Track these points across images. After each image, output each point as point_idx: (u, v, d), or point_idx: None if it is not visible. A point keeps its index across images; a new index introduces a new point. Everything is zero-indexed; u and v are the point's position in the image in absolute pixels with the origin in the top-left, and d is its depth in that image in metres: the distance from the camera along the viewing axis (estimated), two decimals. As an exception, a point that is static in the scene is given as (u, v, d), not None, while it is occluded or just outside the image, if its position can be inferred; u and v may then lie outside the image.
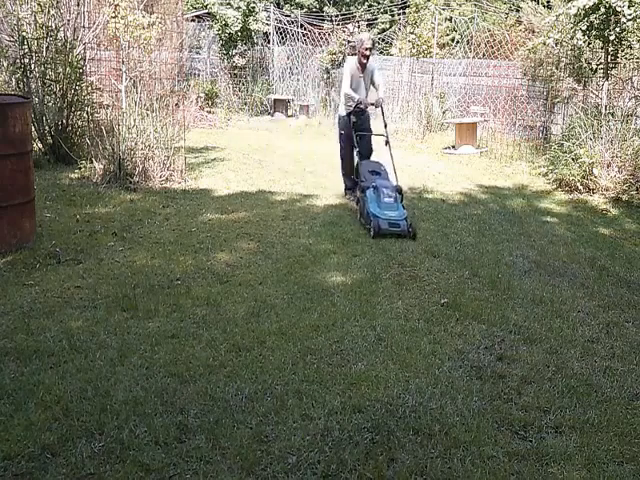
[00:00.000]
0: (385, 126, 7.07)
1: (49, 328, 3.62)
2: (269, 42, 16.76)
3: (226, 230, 5.78)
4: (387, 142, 6.81)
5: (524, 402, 3.06)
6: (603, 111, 8.07)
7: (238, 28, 15.05)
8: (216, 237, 5.56)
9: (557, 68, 10.26)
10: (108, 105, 8.31)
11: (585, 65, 9.12)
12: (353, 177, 7.09)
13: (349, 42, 15.59)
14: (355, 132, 6.95)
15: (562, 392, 3.16)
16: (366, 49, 6.87)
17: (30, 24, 7.94)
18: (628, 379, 3.33)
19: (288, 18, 17.11)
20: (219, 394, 3.01)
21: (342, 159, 7.35)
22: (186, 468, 2.49)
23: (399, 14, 16.88)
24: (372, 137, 7.28)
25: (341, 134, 7.17)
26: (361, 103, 6.81)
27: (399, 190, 6.19)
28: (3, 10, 8.12)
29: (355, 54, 7.18)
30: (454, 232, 6.02)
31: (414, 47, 13.58)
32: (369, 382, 3.18)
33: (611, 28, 7.95)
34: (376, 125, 7.67)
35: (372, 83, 7.21)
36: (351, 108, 6.96)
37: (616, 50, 8.34)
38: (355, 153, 6.86)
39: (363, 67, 6.99)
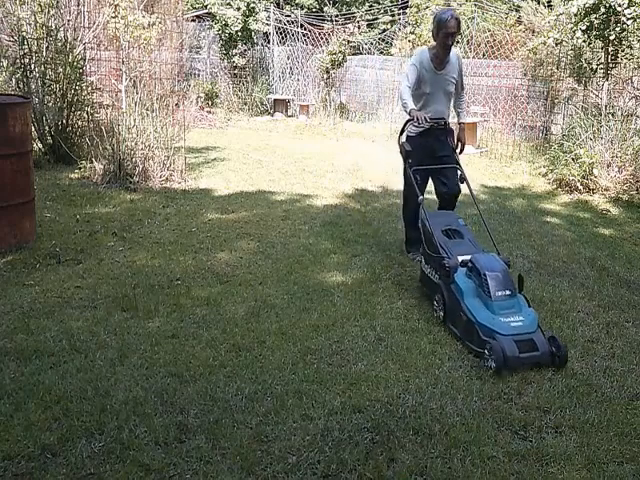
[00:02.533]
0: (458, 150, 4.94)
1: (49, 328, 3.62)
2: (269, 42, 16.76)
3: (226, 230, 5.78)
4: (463, 179, 4.70)
5: (524, 402, 3.05)
6: (603, 111, 8.07)
7: (238, 28, 15.05)
8: (216, 237, 5.56)
9: (557, 68, 10.26)
10: (108, 105, 8.32)
11: (585, 65, 9.11)
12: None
13: (349, 42, 15.60)
14: (422, 163, 4.75)
15: (562, 392, 3.16)
16: (448, 33, 4.57)
17: (30, 24, 7.93)
18: (628, 379, 3.33)
19: (288, 18, 17.11)
20: (219, 394, 3.00)
21: (405, 199, 5.27)
22: (186, 468, 2.49)
23: (399, 14, 16.88)
24: (449, 170, 4.88)
25: (408, 163, 4.78)
26: (418, 119, 4.45)
27: (509, 265, 3.85)
28: (3, 10, 8.12)
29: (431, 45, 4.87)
30: (454, 232, 6.01)
31: (414, 47, 13.57)
32: (369, 382, 3.18)
33: (611, 28, 7.95)
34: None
35: (455, 88, 4.94)
36: (423, 126, 4.70)
37: (616, 50, 8.35)
38: (419, 201, 4.49)
39: (442, 61, 4.74)
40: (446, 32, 4.57)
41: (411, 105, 4.55)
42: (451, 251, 4.07)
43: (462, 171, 4.72)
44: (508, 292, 3.61)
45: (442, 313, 3.92)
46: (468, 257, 3.87)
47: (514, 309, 3.58)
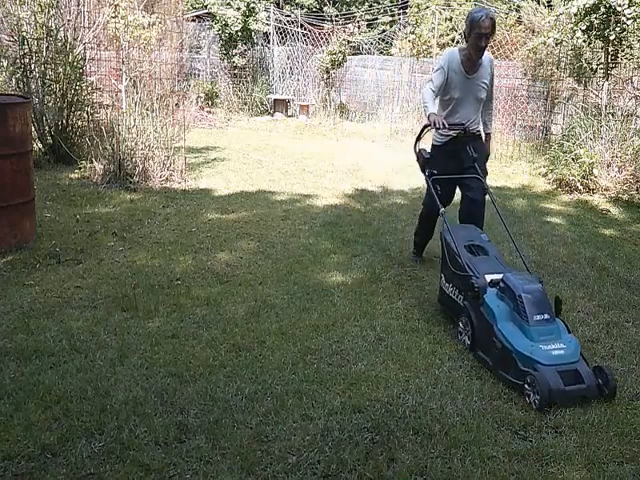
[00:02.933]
0: (479, 162, 4.46)
1: (49, 328, 3.62)
2: (269, 42, 16.76)
3: (226, 230, 5.78)
4: (485, 190, 4.39)
5: (524, 402, 3.05)
6: (603, 111, 8.07)
7: (238, 28, 15.05)
8: (216, 237, 5.56)
9: (557, 68, 10.26)
10: (108, 105, 8.31)
11: (585, 65, 9.12)
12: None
13: (349, 42, 15.60)
14: (447, 174, 4.41)
15: (562, 392, 3.16)
16: (481, 34, 4.19)
17: (30, 24, 7.93)
18: (628, 379, 3.33)
19: (288, 18, 17.12)
20: (219, 394, 3.00)
21: (424, 207, 4.91)
22: (186, 468, 2.49)
23: (399, 14, 16.88)
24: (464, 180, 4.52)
25: (432, 173, 4.37)
26: (436, 124, 4.09)
27: (542, 284, 3.48)
28: (3, 10, 8.12)
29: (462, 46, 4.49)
30: (454, 232, 6.00)
31: (414, 47, 13.58)
32: (369, 382, 3.18)
33: (611, 28, 7.95)
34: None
35: (486, 93, 4.53)
36: (448, 135, 4.47)
37: (616, 50, 8.35)
38: (441, 212, 4.18)
39: (474, 64, 4.39)
40: (479, 33, 4.19)
41: (431, 109, 4.23)
42: (477, 269, 3.69)
43: (484, 182, 4.38)
44: (547, 316, 3.26)
45: (469, 338, 3.56)
46: (497, 276, 3.54)
47: (554, 335, 3.22)
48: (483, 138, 4.71)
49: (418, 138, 4.48)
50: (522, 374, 3.09)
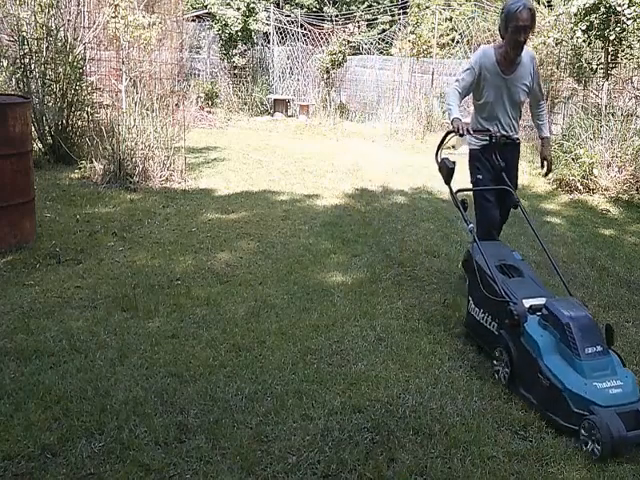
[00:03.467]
0: (544, 171, 4.32)
1: (49, 328, 3.62)
2: (269, 42, 16.77)
3: (226, 230, 5.78)
4: (517, 203, 3.94)
5: (524, 402, 3.05)
6: (603, 111, 8.07)
7: (238, 28, 15.06)
8: (216, 237, 5.56)
9: (557, 68, 10.26)
10: (108, 105, 8.31)
11: (585, 65, 9.12)
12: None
13: (349, 42, 15.60)
14: (486, 183, 4.10)
15: (562, 392, 3.16)
16: (519, 27, 3.74)
17: (30, 24, 7.94)
18: (628, 379, 3.32)
19: (288, 18, 17.12)
20: (219, 394, 3.00)
21: (479, 225, 4.18)
22: (186, 468, 2.49)
23: (399, 14, 16.88)
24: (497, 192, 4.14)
25: (478, 179, 4.17)
26: (459, 130, 3.76)
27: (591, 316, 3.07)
28: (3, 10, 8.12)
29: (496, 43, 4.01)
30: (454, 232, 6.01)
31: (414, 47, 13.58)
32: (369, 382, 3.18)
33: (611, 28, 7.96)
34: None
35: (527, 95, 4.14)
36: (485, 140, 4.08)
37: (616, 50, 8.35)
38: (469, 229, 3.73)
39: (512, 62, 3.96)
40: (516, 26, 3.73)
41: (455, 113, 3.87)
42: (514, 293, 3.30)
43: (514, 194, 3.98)
44: (599, 348, 2.87)
45: (506, 373, 3.16)
46: (536, 301, 3.19)
47: (608, 371, 2.82)
48: (541, 144, 4.34)
49: (440, 145, 4.02)
50: (576, 417, 2.72)
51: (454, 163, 3.84)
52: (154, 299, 4.11)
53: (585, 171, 7.71)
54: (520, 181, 8.52)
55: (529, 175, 9.04)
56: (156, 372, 3.19)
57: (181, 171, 7.74)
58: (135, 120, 7.32)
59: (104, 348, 3.43)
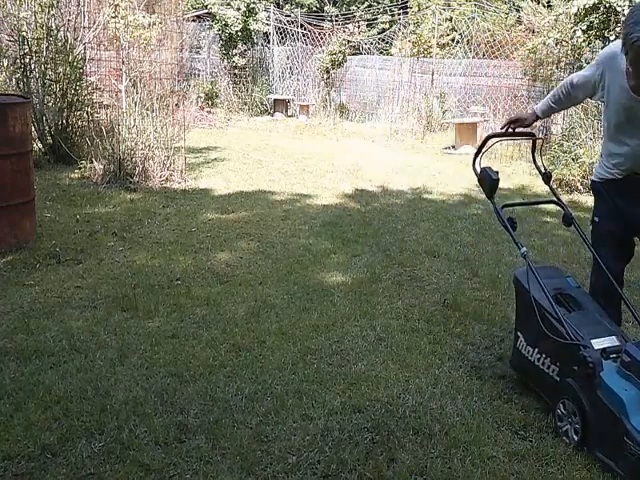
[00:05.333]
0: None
1: (49, 328, 3.62)
2: (269, 42, 16.77)
3: (226, 230, 5.78)
4: (570, 220, 3.38)
5: (524, 402, 3.05)
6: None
7: (238, 28, 15.07)
8: (216, 237, 5.56)
9: (557, 68, 10.26)
10: (108, 105, 8.32)
11: (585, 65, 9.12)
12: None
13: (349, 42, 15.60)
14: (613, 230, 3.10)
15: (562, 392, 3.15)
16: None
17: (30, 24, 7.94)
18: (628, 379, 3.32)
19: (288, 18, 17.12)
20: (219, 394, 3.00)
21: (593, 278, 3.28)
22: (186, 468, 2.48)
23: (399, 14, 16.88)
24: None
25: (594, 222, 3.29)
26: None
27: None
28: (3, 10, 8.12)
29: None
30: (454, 232, 6.01)
31: (414, 47, 13.59)
32: (369, 382, 3.18)
33: (611, 28, 7.96)
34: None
35: None
36: (620, 170, 3.03)
37: (616, 50, 8.35)
38: (522, 254, 3.03)
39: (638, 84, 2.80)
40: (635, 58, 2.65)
41: (539, 106, 3.31)
42: (578, 331, 2.70)
43: (566, 209, 3.40)
44: None
45: (577, 432, 2.62)
46: (607, 342, 2.65)
47: None
48: None
49: (478, 152, 3.34)
50: None
51: (497, 173, 3.18)
52: (154, 299, 4.11)
53: (585, 171, 7.71)
54: (520, 181, 8.62)
55: (529, 175, 9.05)
56: (156, 372, 3.19)
57: (181, 171, 7.74)
58: (135, 120, 7.32)
59: (104, 348, 3.43)
